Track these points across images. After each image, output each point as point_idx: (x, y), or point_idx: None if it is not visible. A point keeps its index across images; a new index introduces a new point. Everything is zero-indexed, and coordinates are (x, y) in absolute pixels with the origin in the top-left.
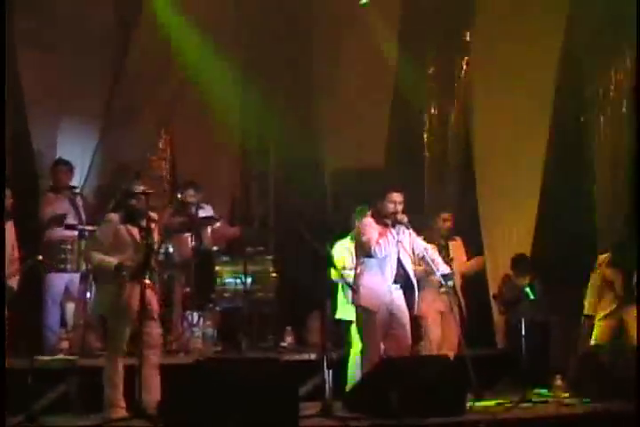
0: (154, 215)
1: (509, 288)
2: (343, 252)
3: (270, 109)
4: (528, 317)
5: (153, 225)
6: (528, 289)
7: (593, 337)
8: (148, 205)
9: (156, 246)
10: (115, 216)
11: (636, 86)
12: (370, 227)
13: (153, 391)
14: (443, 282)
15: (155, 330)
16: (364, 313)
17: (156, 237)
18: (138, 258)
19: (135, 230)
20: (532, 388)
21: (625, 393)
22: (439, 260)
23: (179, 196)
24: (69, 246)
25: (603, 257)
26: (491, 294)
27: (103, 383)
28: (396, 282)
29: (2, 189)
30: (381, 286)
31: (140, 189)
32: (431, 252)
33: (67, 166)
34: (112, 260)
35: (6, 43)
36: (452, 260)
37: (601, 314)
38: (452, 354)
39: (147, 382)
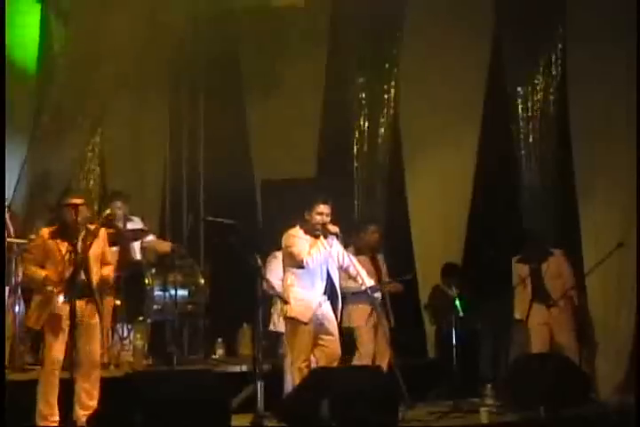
0: (98, 231)
1: (439, 298)
2: (276, 263)
3: (200, 121)
4: (458, 327)
5: (90, 238)
6: (458, 302)
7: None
8: (77, 217)
9: (96, 264)
10: (45, 231)
11: (637, 87)
12: (299, 238)
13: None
14: (369, 293)
15: (93, 345)
16: (293, 324)
17: (98, 254)
18: (66, 273)
19: (64, 245)
20: (463, 397)
21: (554, 402)
22: (363, 273)
23: (106, 208)
24: None
25: (516, 258)
26: (422, 303)
27: (37, 398)
28: (324, 293)
29: (2, 190)
30: (311, 297)
31: (71, 201)
32: (356, 265)
33: None
34: (41, 272)
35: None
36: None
37: (532, 317)
38: (384, 366)
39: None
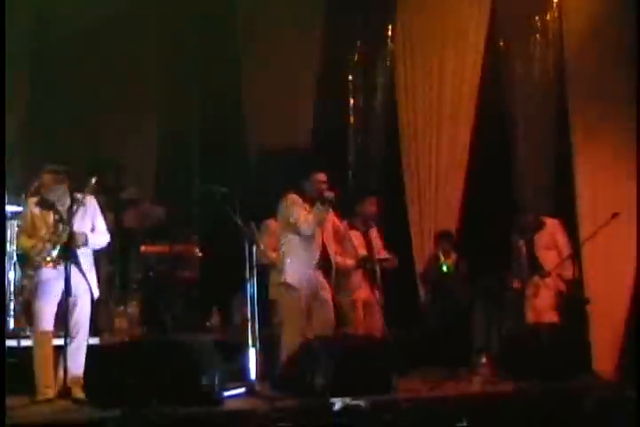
0: (79, 196)
1: (434, 267)
2: (270, 231)
3: (195, 90)
4: (452, 295)
5: (75, 207)
6: (444, 266)
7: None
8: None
9: (81, 231)
10: (31, 201)
11: (637, 83)
12: (295, 206)
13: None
14: (363, 265)
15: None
16: (287, 291)
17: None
18: (53, 241)
19: (50, 214)
20: (457, 366)
21: (547, 371)
22: (357, 244)
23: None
24: None
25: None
26: (417, 273)
27: (33, 365)
28: (318, 261)
29: (2, 189)
30: (305, 264)
31: (53, 169)
32: (350, 235)
33: None
34: (28, 242)
35: (5, 42)
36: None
37: (526, 287)
38: (381, 336)
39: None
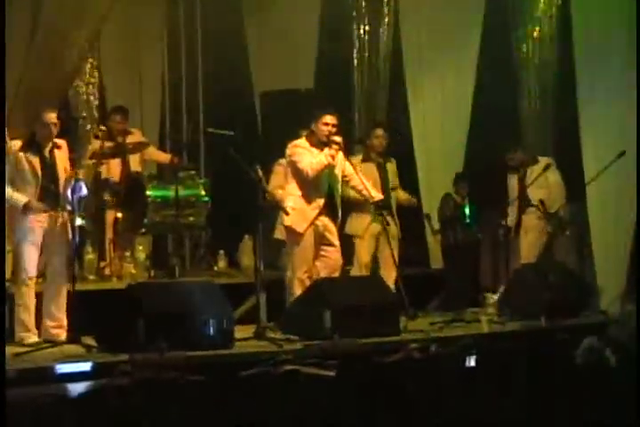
0: (60, 142)
1: (449, 206)
2: (278, 172)
3: (198, 33)
4: (461, 235)
5: (58, 152)
6: (467, 210)
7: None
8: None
9: (63, 175)
10: (15, 144)
11: (637, 78)
12: (302, 149)
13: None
14: (376, 207)
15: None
16: (292, 234)
17: (63, 164)
18: (41, 187)
19: (35, 159)
20: (464, 307)
21: (551, 311)
22: (369, 186)
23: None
24: None
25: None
26: (424, 212)
27: (15, 309)
28: (325, 204)
29: (2, 185)
30: (309, 207)
31: (49, 116)
32: (362, 178)
33: None
34: (21, 197)
35: (5, 42)
36: (391, 184)
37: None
38: (390, 277)
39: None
